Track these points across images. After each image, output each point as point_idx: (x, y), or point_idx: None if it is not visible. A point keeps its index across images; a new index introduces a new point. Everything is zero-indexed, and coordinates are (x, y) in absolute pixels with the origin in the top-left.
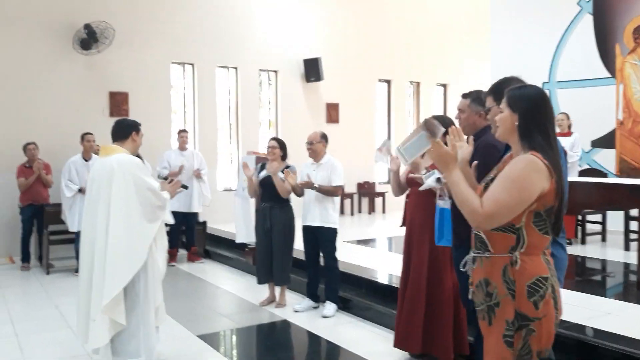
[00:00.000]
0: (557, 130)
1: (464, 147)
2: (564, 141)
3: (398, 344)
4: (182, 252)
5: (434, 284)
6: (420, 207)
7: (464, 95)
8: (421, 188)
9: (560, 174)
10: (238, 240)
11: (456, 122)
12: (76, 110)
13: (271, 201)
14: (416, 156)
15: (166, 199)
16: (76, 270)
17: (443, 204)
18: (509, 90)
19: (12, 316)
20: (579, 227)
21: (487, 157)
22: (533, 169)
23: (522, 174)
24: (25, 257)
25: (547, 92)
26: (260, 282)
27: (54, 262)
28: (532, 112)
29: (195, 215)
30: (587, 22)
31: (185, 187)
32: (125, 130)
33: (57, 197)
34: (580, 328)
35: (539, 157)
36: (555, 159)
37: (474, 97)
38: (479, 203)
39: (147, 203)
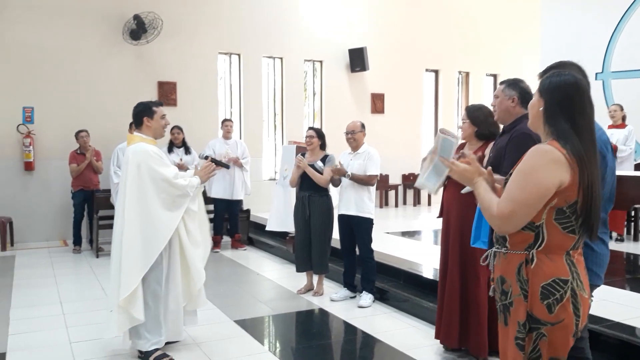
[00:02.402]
0: (610, 122)
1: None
2: (617, 133)
3: (438, 336)
4: (226, 239)
5: (470, 278)
6: (457, 200)
7: (501, 82)
8: (463, 191)
9: (585, 166)
10: (268, 228)
11: (492, 108)
12: (126, 99)
13: (310, 190)
14: (440, 182)
15: (185, 186)
16: None
17: None
18: (545, 76)
19: (61, 296)
20: (631, 223)
21: (520, 147)
22: (548, 159)
23: (536, 166)
24: (77, 241)
25: (584, 82)
26: (298, 270)
27: (104, 245)
28: (559, 98)
29: (238, 202)
30: None
31: (226, 166)
32: (137, 117)
33: (107, 183)
34: (625, 328)
35: (557, 147)
36: (579, 149)
37: (509, 83)
38: (494, 205)
39: (164, 193)
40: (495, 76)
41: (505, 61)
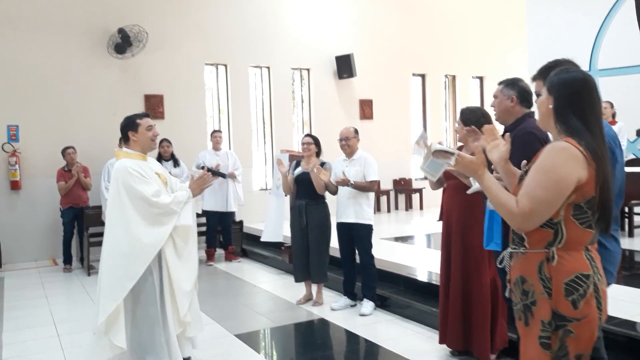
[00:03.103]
0: None
1: (500, 146)
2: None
3: (443, 341)
4: (220, 252)
5: (471, 280)
6: (457, 201)
7: (500, 82)
8: (469, 191)
9: (601, 162)
10: (263, 239)
11: (492, 110)
12: (114, 113)
13: (307, 198)
14: (441, 171)
15: (167, 204)
16: None
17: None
18: (552, 73)
19: (54, 317)
20: (626, 220)
21: (524, 146)
22: (567, 156)
23: (556, 163)
24: (67, 259)
25: (592, 78)
26: (297, 280)
27: (95, 263)
28: (568, 94)
29: (231, 214)
30: (629, 7)
31: (223, 175)
32: (123, 133)
33: (97, 199)
34: (632, 324)
35: (573, 144)
36: (594, 145)
37: (508, 83)
38: (514, 203)
39: (143, 211)
40: (481, 78)
41: (491, 63)
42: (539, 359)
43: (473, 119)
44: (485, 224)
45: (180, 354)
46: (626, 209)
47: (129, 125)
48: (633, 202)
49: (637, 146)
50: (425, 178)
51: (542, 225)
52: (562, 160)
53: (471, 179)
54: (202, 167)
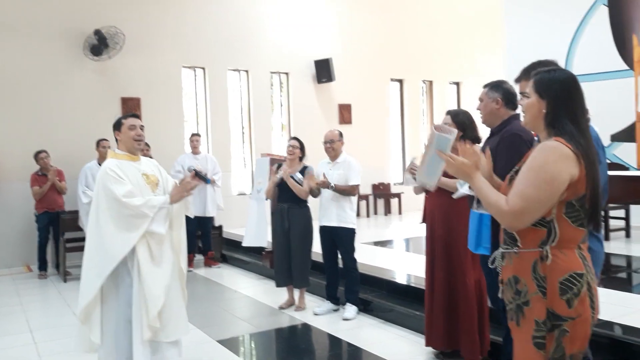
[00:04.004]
0: None
1: (481, 162)
2: None
3: (429, 343)
4: (199, 257)
5: (456, 281)
6: (440, 203)
7: (485, 85)
8: (455, 195)
9: (590, 161)
10: (244, 244)
11: (477, 113)
12: (89, 116)
13: (289, 202)
14: (437, 177)
15: (138, 206)
16: None
17: (482, 209)
18: (537, 73)
19: (30, 325)
20: (602, 223)
21: (510, 148)
22: (558, 155)
23: (546, 162)
24: (42, 266)
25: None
26: (279, 285)
27: (71, 269)
28: (561, 98)
29: (210, 219)
30: (603, 14)
31: (206, 181)
32: (113, 134)
33: (72, 204)
34: (612, 326)
35: (564, 142)
36: (584, 146)
37: (492, 85)
38: (503, 202)
39: (115, 212)
40: (458, 84)
41: (467, 69)
42: (533, 359)
43: (467, 122)
44: (472, 227)
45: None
46: (602, 212)
47: (115, 125)
48: (609, 205)
49: (611, 151)
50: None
51: (535, 224)
52: (553, 159)
53: (458, 183)
54: (192, 170)
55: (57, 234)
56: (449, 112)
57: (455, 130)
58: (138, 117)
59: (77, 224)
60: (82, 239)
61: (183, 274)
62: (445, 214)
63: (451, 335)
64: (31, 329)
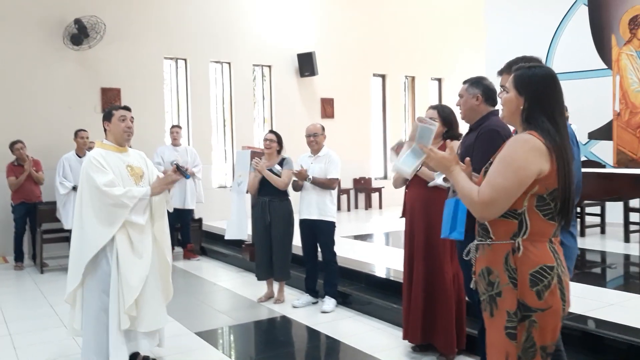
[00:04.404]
0: None
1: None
2: None
3: (406, 336)
4: (178, 250)
5: (435, 275)
6: (420, 197)
7: (465, 81)
8: (430, 184)
9: (562, 156)
10: (227, 237)
11: (457, 108)
12: (69, 106)
13: (270, 195)
14: (415, 167)
15: (118, 196)
16: None
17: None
18: (517, 69)
19: (5, 316)
20: (578, 219)
21: (488, 144)
22: (528, 148)
23: (516, 154)
24: (19, 257)
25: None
26: (260, 278)
27: (48, 260)
28: (539, 96)
29: (190, 212)
30: (583, 14)
31: (185, 175)
32: (103, 124)
33: (50, 194)
34: (585, 319)
35: (537, 136)
36: (559, 143)
37: (473, 81)
38: (476, 193)
39: (97, 201)
40: (439, 80)
41: (449, 65)
42: (505, 349)
43: (453, 119)
44: (447, 213)
45: (124, 349)
46: (578, 209)
47: (105, 116)
48: (585, 202)
49: (589, 149)
50: (384, 177)
51: (506, 216)
52: (524, 152)
53: (435, 174)
54: (174, 164)
55: (34, 224)
56: (434, 107)
57: (437, 123)
58: (129, 109)
59: (55, 215)
60: (60, 230)
61: (168, 266)
62: (425, 209)
63: (428, 329)
64: (6, 320)
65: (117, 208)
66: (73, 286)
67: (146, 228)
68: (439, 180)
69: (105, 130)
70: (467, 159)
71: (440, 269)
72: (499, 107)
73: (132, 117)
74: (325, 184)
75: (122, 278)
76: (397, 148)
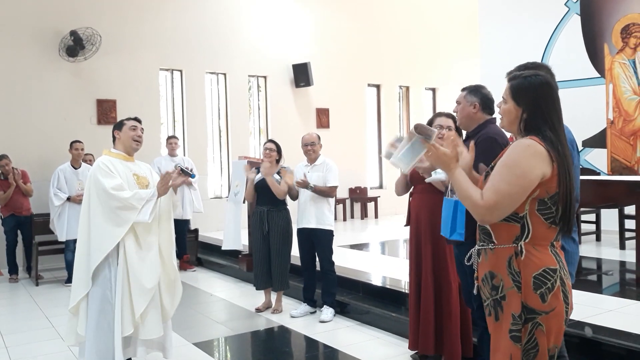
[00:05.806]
0: None
1: (463, 154)
2: None
3: (415, 347)
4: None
5: (443, 285)
6: (426, 204)
7: (463, 88)
8: (427, 180)
9: (563, 161)
10: (224, 247)
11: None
12: (64, 118)
13: (268, 204)
14: (413, 163)
15: (127, 198)
16: (66, 281)
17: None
18: (512, 78)
19: (1, 328)
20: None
21: (487, 152)
22: (531, 153)
23: (519, 159)
24: (13, 269)
25: (553, 80)
26: (258, 288)
27: (43, 272)
28: (537, 105)
29: (186, 222)
30: (575, 23)
31: (190, 175)
32: (112, 133)
33: (43, 206)
34: (583, 325)
35: (538, 141)
36: (560, 150)
37: (471, 89)
38: (479, 196)
39: (105, 205)
40: (434, 90)
41: (443, 75)
42: (510, 352)
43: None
44: (446, 214)
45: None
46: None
47: (116, 125)
48: (581, 209)
49: (583, 156)
50: (380, 187)
51: (508, 220)
52: (526, 157)
53: (433, 172)
54: (178, 167)
55: (26, 237)
56: (449, 115)
57: (436, 131)
58: (140, 121)
59: (49, 227)
60: (54, 242)
61: (175, 272)
62: (431, 217)
63: (438, 340)
64: (2, 332)
65: (125, 211)
66: (81, 295)
67: (152, 230)
68: (437, 176)
69: (114, 138)
70: (472, 142)
71: (447, 278)
72: (496, 115)
73: (142, 129)
74: (325, 192)
75: (133, 281)
76: (395, 143)
